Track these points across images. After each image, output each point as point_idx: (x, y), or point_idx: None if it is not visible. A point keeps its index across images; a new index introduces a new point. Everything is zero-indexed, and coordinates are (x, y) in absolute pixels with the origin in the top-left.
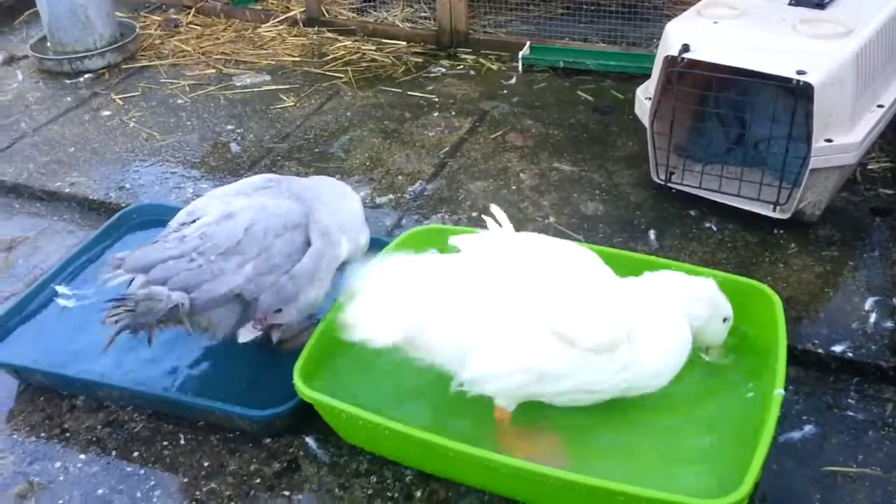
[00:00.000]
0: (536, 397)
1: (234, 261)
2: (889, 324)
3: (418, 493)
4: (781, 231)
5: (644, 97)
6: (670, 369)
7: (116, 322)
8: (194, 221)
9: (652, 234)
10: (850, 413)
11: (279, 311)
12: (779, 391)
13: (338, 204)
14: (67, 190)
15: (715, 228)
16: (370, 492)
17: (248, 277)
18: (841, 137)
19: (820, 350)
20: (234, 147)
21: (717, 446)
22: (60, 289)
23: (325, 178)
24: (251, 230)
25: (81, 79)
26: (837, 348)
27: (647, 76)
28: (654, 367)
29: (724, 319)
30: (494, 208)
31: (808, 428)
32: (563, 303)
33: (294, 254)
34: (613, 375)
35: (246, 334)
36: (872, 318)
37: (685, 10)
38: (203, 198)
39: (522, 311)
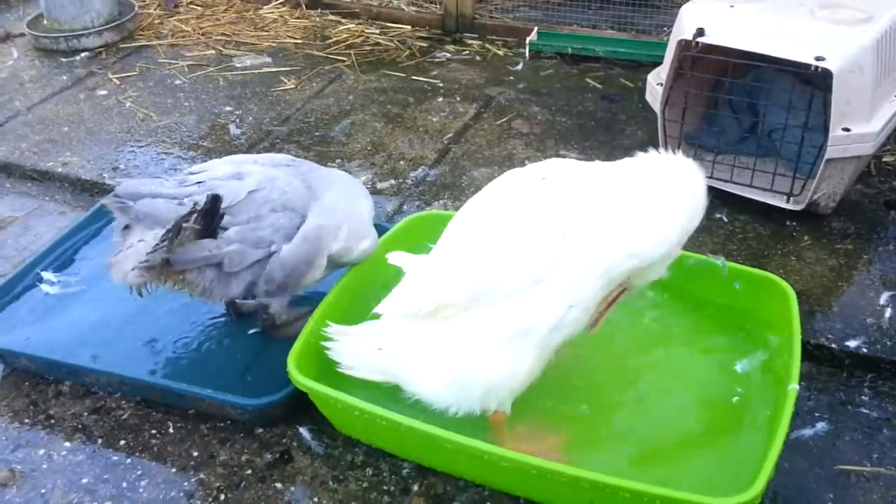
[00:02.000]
0: (551, 346)
1: (223, 220)
2: None
3: (415, 487)
4: (794, 223)
5: (656, 83)
6: (652, 231)
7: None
8: (203, 172)
9: None
10: (864, 410)
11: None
12: (793, 386)
13: (347, 202)
14: (60, 170)
15: (726, 219)
16: (365, 485)
17: (230, 240)
18: (859, 127)
19: (833, 345)
20: (232, 129)
21: (728, 442)
22: (46, 274)
23: (342, 174)
24: (253, 195)
25: (78, 57)
26: (851, 343)
27: (657, 64)
28: (623, 238)
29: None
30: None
31: (820, 425)
32: (479, 264)
33: (285, 233)
34: (583, 274)
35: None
36: (888, 312)
37: None
38: (220, 160)
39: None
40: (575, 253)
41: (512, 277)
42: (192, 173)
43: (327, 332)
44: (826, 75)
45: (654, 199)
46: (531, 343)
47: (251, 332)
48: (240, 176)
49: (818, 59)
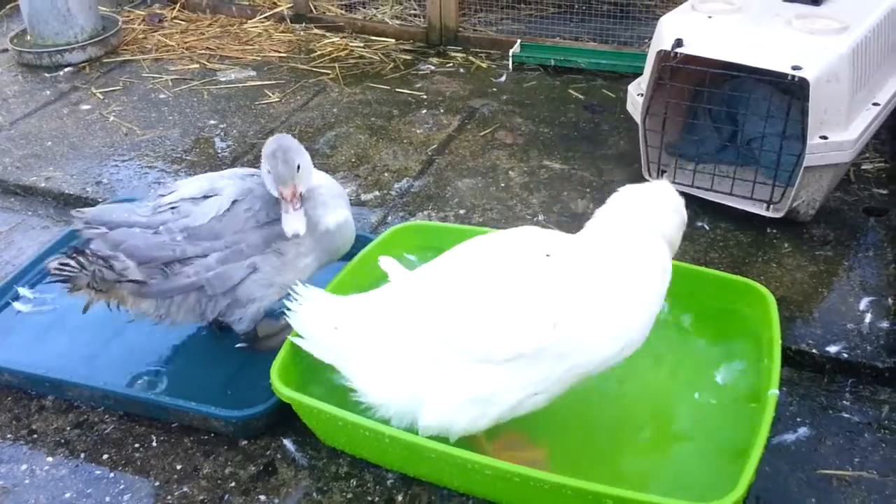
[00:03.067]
0: (503, 419)
1: (201, 246)
2: (885, 324)
3: (400, 497)
4: (774, 230)
5: (636, 93)
6: (633, 331)
7: (61, 272)
8: (172, 193)
9: None
10: (846, 415)
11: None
12: (773, 391)
13: (335, 202)
14: (43, 184)
15: (707, 227)
16: (350, 496)
17: (209, 267)
18: (836, 135)
19: (814, 350)
20: (217, 142)
21: (709, 447)
22: (22, 291)
23: (326, 176)
24: (228, 215)
25: (61, 72)
26: (832, 349)
27: (638, 75)
28: (608, 337)
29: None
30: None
31: (802, 430)
32: (462, 321)
33: (267, 245)
34: (561, 368)
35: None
36: (868, 318)
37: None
38: (191, 178)
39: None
40: (561, 347)
41: (492, 345)
42: (161, 195)
43: (294, 291)
44: (803, 84)
45: (635, 294)
46: (489, 410)
47: (237, 346)
48: (211, 193)
49: (795, 68)
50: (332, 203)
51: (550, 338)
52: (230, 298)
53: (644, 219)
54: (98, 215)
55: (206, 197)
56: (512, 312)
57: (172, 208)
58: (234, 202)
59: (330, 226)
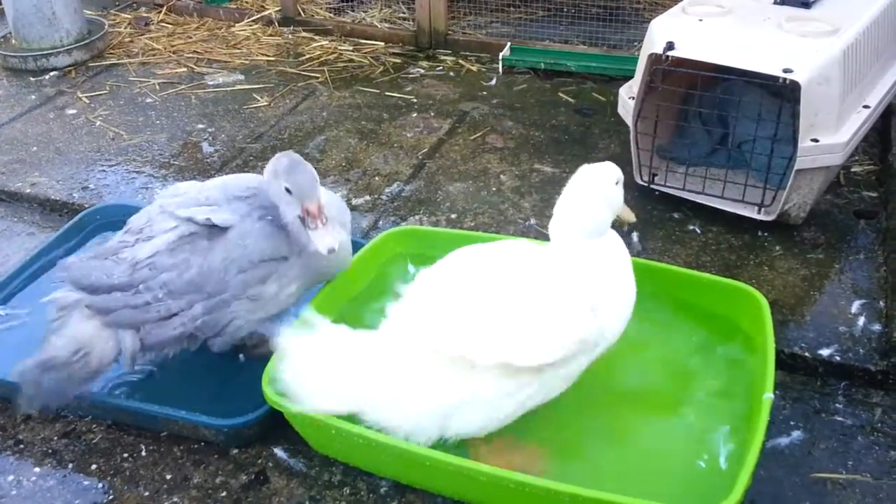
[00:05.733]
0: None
1: (185, 300)
2: (877, 327)
3: None
4: (766, 233)
5: (627, 96)
6: (626, 315)
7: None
8: (149, 239)
9: (635, 236)
10: (839, 418)
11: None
12: (768, 395)
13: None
14: (28, 190)
15: (699, 231)
16: None
17: (195, 317)
18: (827, 137)
19: (807, 354)
20: (204, 147)
21: (704, 451)
22: None
23: (331, 193)
24: (207, 267)
25: (47, 77)
26: (824, 352)
27: (628, 78)
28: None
29: (617, 182)
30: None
31: (795, 434)
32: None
33: (247, 289)
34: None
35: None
36: (860, 321)
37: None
38: (156, 204)
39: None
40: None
41: (545, 347)
42: (138, 238)
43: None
44: (794, 87)
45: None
46: (513, 400)
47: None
48: (186, 240)
49: (786, 70)
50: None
51: (593, 325)
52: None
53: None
54: (79, 278)
55: (179, 243)
56: (553, 317)
57: (150, 266)
58: (211, 252)
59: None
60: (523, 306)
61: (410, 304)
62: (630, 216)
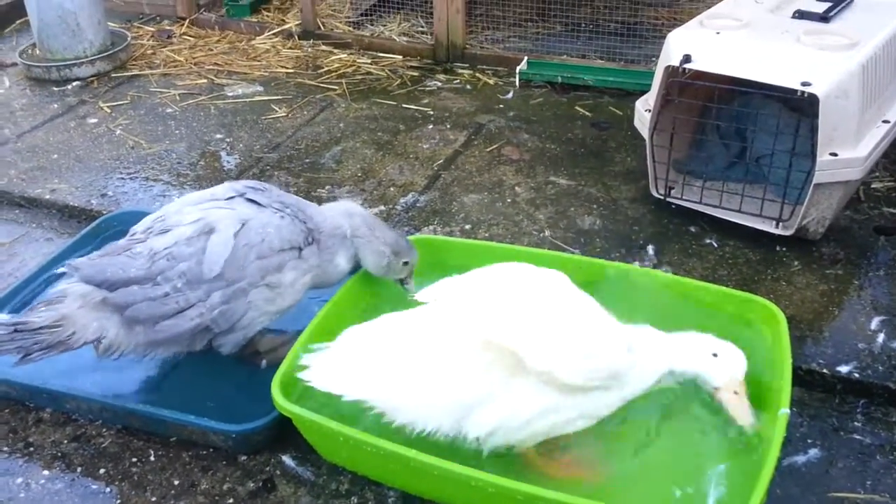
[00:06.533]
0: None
1: (203, 289)
2: None
3: None
4: (784, 248)
5: (644, 109)
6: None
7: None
8: (164, 232)
9: (651, 249)
10: (857, 436)
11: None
12: (784, 410)
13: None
14: (48, 196)
15: (716, 245)
16: None
17: (213, 307)
18: (846, 152)
19: (825, 370)
20: (222, 156)
21: (718, 468)
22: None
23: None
24: (228, 254)
25: (69, 86)
26: (843, 369)
27: (645, 93)
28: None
29: (714, 354)
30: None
31: (812, 452)
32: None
33: (263, 277)
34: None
35: None
36: (880, 338)
37: None
38: (175, 203)
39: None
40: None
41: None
42: (150, 231)
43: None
44: (812, 101)
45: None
46: (530, 410)
47: (235, 358)
48: (205, 231)
49: (804, 84)
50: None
51: (626, 360)
52: (227, 330)
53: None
54: (93, 275)
55: (198, 235)
56: (597, 344)
57: (168, 256)
58: (233, 236)
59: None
60: (574, 325)
61: (461, 292)
62: (745, 419)
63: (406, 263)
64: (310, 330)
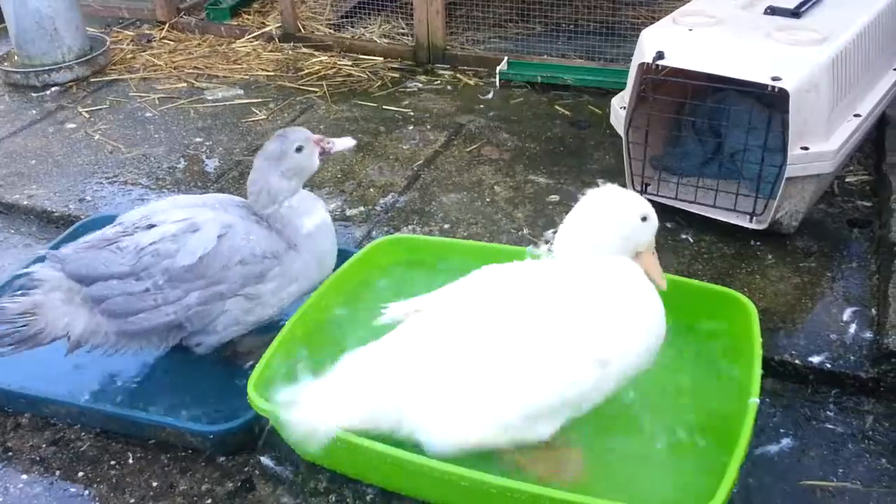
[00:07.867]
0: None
1: (182, 288)
2: (868, 334)
3: None
4: (758, 242)
5: (619, 106)
6: (655, 340)
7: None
8: (150, 227)
9: None
10: (829, 426)
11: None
12: (754, 399)
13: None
14: (25, 202)
15: (691, 240)
16: None
17: (189, 306)
18: (817, 145)
19: (797, 361)
20: (202, 159)
21: (689, 457)
22: None
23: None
24: (210, 254)
25: (48, 92)
26: (815, 359)
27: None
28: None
29: (644, 218)
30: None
31: (785, 441)
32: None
33: (244, 286)
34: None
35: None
36: (852, 328)
37: None
38: (166, 201)
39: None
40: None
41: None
42: (137, 227)
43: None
44: (783, 95)
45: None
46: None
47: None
48: (191, 230)
49: (775, 79)
50: (310, 206)
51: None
52: (200, 329)
53: (610, 237)
54: (76, 270)
55: (184, 232)
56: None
57: (153, 253)
58: (217, 238)
59: (311, 228)
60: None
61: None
62: (658, 277)
63: (299, 149)
64: (288, 328)
